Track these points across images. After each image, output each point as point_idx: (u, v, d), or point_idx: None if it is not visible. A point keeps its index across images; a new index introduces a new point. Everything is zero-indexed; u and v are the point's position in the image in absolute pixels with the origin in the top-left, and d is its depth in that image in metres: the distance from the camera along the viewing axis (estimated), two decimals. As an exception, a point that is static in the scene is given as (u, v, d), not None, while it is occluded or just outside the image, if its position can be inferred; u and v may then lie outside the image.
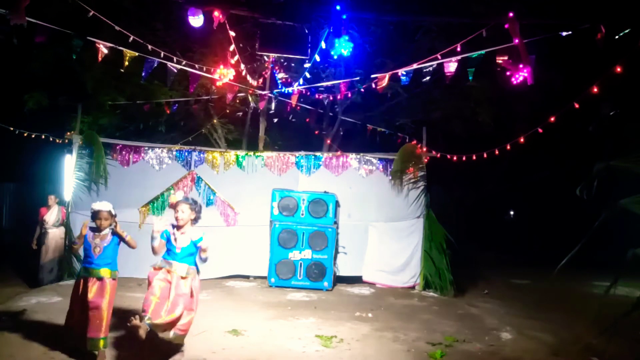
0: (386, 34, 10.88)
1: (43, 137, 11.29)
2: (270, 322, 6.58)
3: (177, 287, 4.65)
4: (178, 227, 4.76)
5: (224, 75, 8.39)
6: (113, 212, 4.89)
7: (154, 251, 4.73)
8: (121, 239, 4.90)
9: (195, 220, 4.83)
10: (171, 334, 4.58)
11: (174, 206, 4.75)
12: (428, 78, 6.59)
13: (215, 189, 9.58)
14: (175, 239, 4.72)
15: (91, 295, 4.68)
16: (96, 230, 4.86)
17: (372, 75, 7.61)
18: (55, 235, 8.48)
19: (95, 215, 4.85)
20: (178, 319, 4.57)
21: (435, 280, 9.11)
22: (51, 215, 8.49)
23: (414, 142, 9.84)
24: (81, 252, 4.98)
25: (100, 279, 4.74)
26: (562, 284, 9.49)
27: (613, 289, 3.33)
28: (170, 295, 4.58)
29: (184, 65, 7.49)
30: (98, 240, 4.81)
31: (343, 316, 7.06)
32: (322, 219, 9.04)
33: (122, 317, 6.01)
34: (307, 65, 8.98)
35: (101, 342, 4.66)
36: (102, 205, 4.85)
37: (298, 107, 10.72)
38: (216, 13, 5.82)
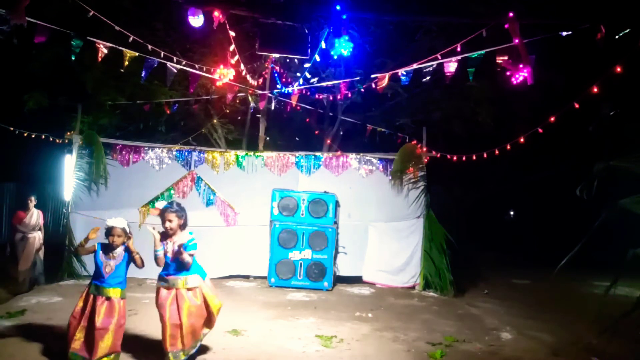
0: (386, 34, 10.88)
1: (43, 137, 11.26)
2: (270, 322, 6.59)
3: (186, 301, 4.64)
4: (169, 236, 4.70)
5: (224, 75, 8.38)
6: (127, 230, 4.68)
7: (158, 263, 4.70)
8: (131, 257, 4.70)
9: (183, 226, 4.75)
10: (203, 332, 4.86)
11: (160, 215, 4.68)
12: (428, 78, 6.58)
13: (215, 189, 9.58)
14: (168, 251, 4.67)
15: (99, 317, 4.49)
16: (108, 247, 4.65)
17: (372, 75, 7.60)
18: (35, 240, 8.15)
19: (108, 231, 4.63)
20: (200, 330, 4.80)
21: (435, 280, 9.11)
22: (31, 218, 8.15)
23: (414, 142, 9.84)
24: (88, 261, 4.85)
25: (109, 298, 4.57)
26: (562, 284, 9.49)
27: (613, 289, 3.34)
28: (181, 317, 4.59)
29: (184, 65, 7.48)
30: (110, 259, 4.63)
31: (343, 316, 7.06)
32: (322, 219, 9.04)
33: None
34: (307, 65, 8.97)
35: (112, 358, 4.53)
36: (117, 222, 4.62)
37: (298, 107, 10.72)
38: (216, 13, 5.80)
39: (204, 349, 5.18)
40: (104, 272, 4.60)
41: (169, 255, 4.65)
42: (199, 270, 4.85)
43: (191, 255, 4.64)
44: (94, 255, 4.69)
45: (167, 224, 4.64)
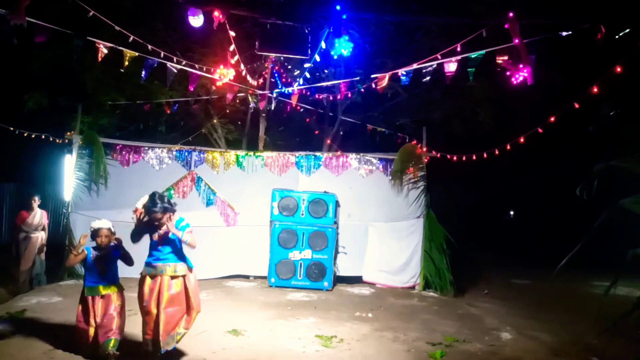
0: (386, 34, 10.87)
1: (43, 137, 11.26)
2: (270, 322, 6.59)
3: (169, 289, 4.61)
4: (159, 226, 4.72)
5: (224, 75, 8.39)
6: (113, 230, 4.93)
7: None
8: (123, 254, 4.95)
9: (172, 216, 4.77)
10: (179, 331, 4.67)
11: (147, 215, 4.70)
12: (428, 78, 6.58)
13: (215, 189, 9.58)
14: (156, 236, 4.70)
15: (100, 312, 4.73)
16: (97, 249, 4.86)
17: (372, 75, 7.61)
18: (38, 239, 8.17)
19: (95, 233, 4.84)
20: (177, 324, 4.65)
21: (435, 280, 9.11)
22: (34, 218, 8.17)
23: (414, 142, 9.84)
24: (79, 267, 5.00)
25: (103, 296, 4.79)
26: (562, 284, 9.48)
27: (613, 289, 3.33)
28: (160, 306, 4.53)
29: (184, 65, 7.49)
30: (100, 261, 4.83)
31: (343, 316, 7.06)
32: (322, 219, 9.04)
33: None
34: (307, 65, 8.97)
35: (111, 343, 4.68)
36: (102, 224, 4.88)
37: (298, 107, 10.72)
38: (216, 13, 5.81)
39: (204, 349, 5.18)
40: (98, 273, 4.81)
41: (156, 239, 4.68)
42: (187, 259, 4.85)
43: (190, 232, 4.69)
44: (84, 260, 4.85)
45: (157, 222, 4.68)
